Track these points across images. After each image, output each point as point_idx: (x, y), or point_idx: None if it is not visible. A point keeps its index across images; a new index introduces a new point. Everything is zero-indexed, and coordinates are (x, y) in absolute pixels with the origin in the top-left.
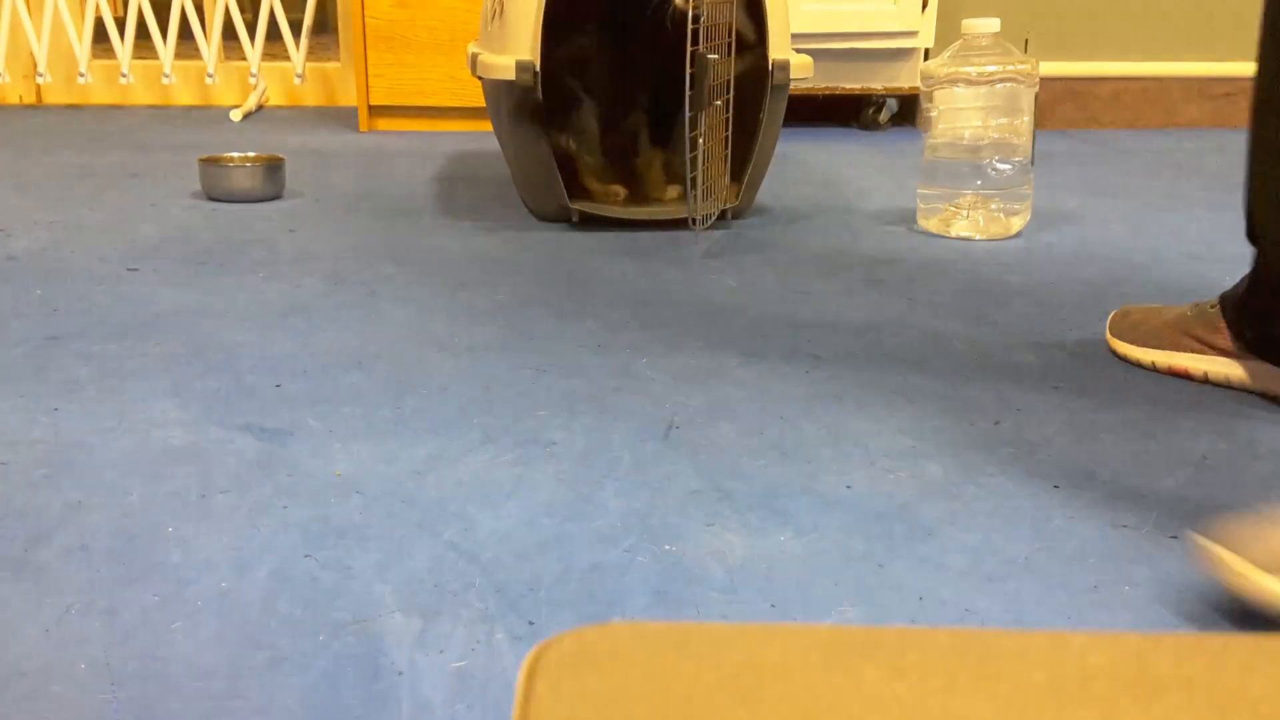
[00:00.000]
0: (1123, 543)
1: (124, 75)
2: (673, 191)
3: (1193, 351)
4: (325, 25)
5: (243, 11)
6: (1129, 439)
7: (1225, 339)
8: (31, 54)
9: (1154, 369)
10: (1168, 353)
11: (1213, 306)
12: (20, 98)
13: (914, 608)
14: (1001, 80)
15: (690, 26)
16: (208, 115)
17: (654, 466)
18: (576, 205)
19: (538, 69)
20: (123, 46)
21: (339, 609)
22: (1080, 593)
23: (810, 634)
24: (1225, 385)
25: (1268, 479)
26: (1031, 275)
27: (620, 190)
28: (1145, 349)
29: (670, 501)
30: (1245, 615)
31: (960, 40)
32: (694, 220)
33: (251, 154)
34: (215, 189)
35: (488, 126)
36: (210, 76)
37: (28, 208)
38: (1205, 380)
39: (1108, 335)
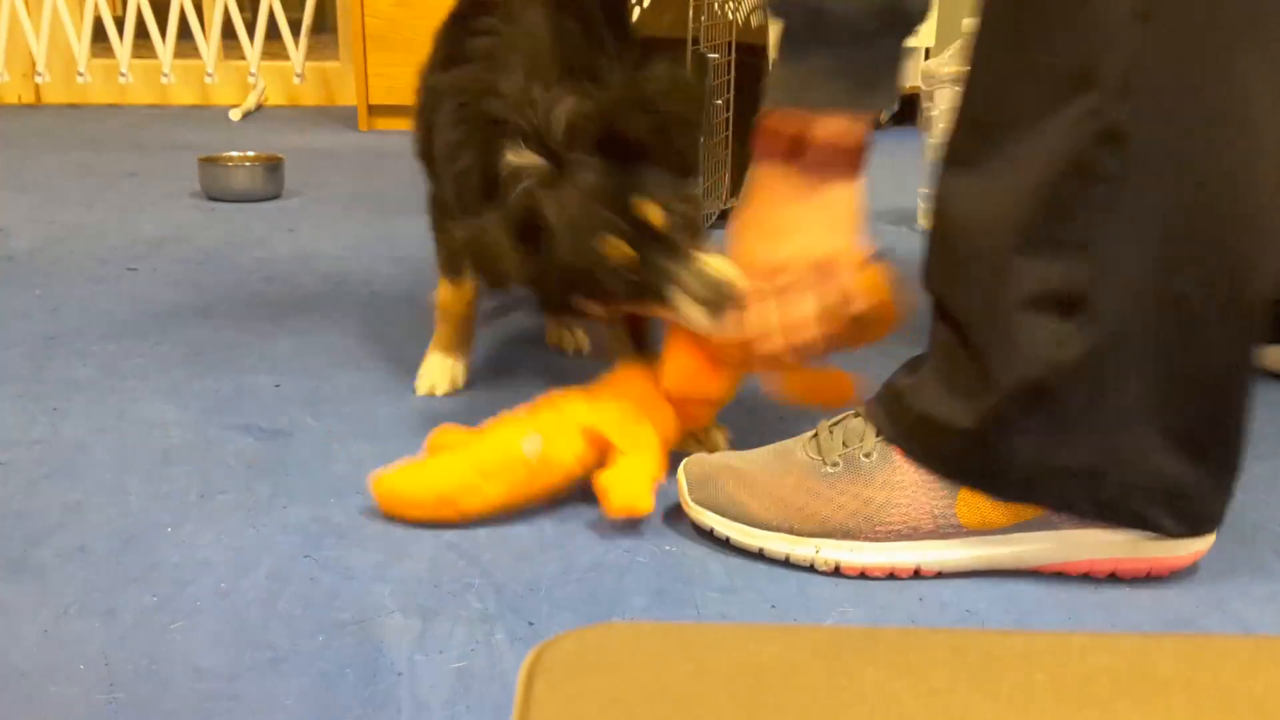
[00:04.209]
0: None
1: (123, 74)
2: None
3: None
4: (325, 24)
5: (242, 10)
6: None
7: None
8: (30, 53)
9: None
10: None
11: None
12: (19, 97)
13: (914, 608)
14: None
15: (690, 25)
16: (207, 114)
17: None
18: None
19: None
20: (122, 46)
21: (338, 609)
22: (1080, 593)
23: (810, 634)
24: None
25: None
26: None
27: None
28: None
29: (670, 501)
30: (1244, 614)
31: (961, 39)
32: None
33: (251, 154)
34: (215, 189)
35: None
36: (209, 76)
37: (28, 208)
38: None
39: None
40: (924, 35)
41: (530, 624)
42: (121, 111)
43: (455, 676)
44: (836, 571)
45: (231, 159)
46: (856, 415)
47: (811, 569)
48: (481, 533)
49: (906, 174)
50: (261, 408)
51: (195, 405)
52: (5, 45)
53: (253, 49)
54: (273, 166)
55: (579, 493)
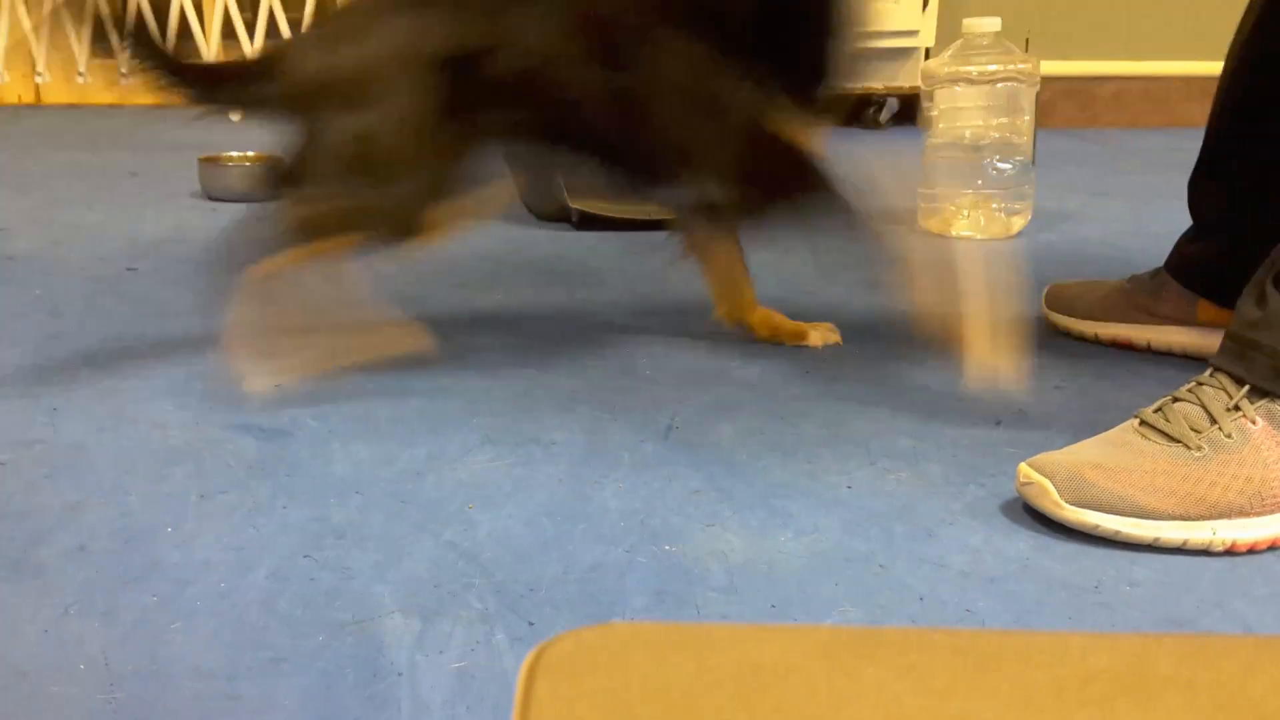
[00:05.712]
0: (1123, 543)
1: (123, 75)
2: None
3: (1137, 322)
4: None
5: (242, 11)
6: None
7: (1170, 307)
8: (30, 53)
9: (1096, 340)
10: (1110, 324)
11: (1154, 277)
12: (19, 97)
13: (914, 608)
14: (1002, 79)
15: None
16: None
17: (654, 466)
18: (576, 205)
19: None
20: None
21: (338, 609)
22: (1080, 593)
23: (810, 634)
24: (1168, 352)
25: None
26: (1032, 275)
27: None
28: (1087, 321)
29: (670, 501)
30: (1244, 614)
31: (961, 39)
32: None
33: (251, 153)
34: (215, 188)
35: None
36: None
37: (28, 208)
38: (1148, 349)
39: (1044, 310)
40: (924, 34)
41: (530, 624)
42: (121, 111)
43: (455, 676)
44: (1230, 550)
45: (231, 159)
46: (1177, 400)
47: (1205, 552)
48: (482, 533)
49: (906, 174)
50: (261, 408)
51: (195, 405)
52: (5, 45)
53: (253, 49)
54: None
55: (579, 493)
